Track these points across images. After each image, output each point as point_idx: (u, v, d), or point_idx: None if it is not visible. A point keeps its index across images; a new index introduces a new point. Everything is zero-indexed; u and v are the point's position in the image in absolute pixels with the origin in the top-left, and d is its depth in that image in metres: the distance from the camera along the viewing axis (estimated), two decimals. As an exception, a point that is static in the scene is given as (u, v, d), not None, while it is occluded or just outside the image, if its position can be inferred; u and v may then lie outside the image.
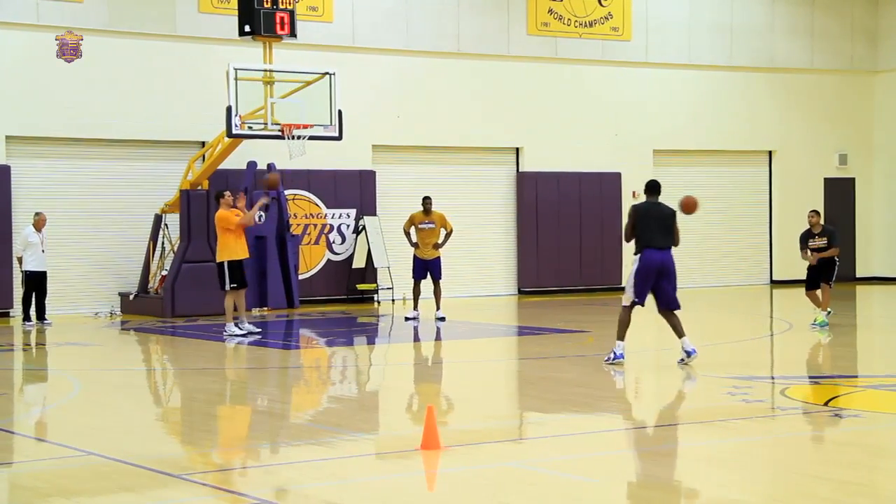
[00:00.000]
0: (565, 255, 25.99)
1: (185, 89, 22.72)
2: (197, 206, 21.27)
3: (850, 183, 29.19)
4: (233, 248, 17.40)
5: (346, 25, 24.35)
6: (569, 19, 26.38)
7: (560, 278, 26.03)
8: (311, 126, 20.20)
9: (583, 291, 25.90)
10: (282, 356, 16.71)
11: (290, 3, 20.28)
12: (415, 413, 11.09)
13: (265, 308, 21.94)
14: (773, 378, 13.07)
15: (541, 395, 11.90)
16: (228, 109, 19.68)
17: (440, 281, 19.92)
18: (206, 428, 10.66)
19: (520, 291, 26.01)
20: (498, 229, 25.97)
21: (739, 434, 9.59)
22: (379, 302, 24.03)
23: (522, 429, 10.35)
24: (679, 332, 13.49)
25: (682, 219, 13.71)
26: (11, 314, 21.36)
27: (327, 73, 20.42)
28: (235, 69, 19.76)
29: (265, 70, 20.17)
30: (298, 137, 20.02)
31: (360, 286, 23.82)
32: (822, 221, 18.55)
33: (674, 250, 13.56)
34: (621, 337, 13.49)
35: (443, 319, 19.61)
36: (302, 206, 23.65)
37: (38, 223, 20.37)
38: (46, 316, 20.41)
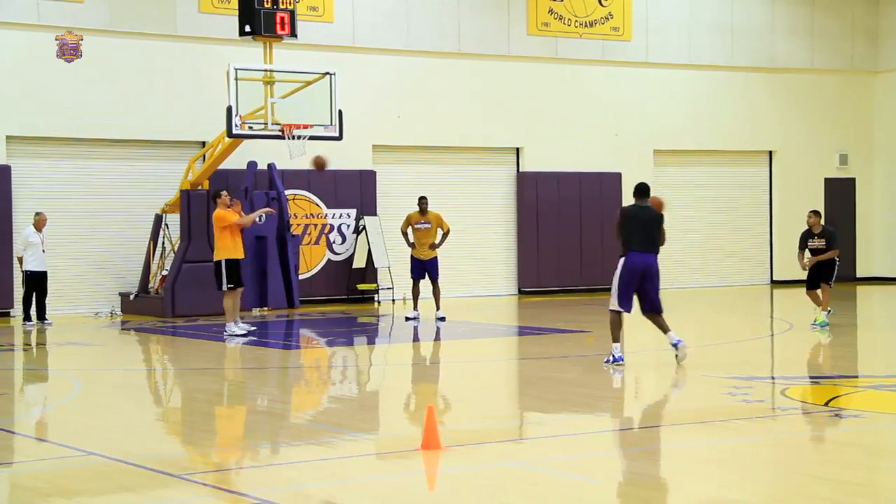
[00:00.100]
0: (565, 255, 26.00)
1: (186, 89, 22.73)
2: (197, 206, 21.27)
3: (850, 183, 29.19)
4: (230, 247, 17.41)
5: (347, 25, 24.36)
6: (569, 19, 26.38)
7: (560, 278, 26.04)
8: (312, 126, 20.21)
9: (583, 291, 25.90)
10: (282, 356, 16.71)
11: (290, 3, 20.28)
12: (415, 413, 11.09)
13: (265, 308, 21.95)
14: (773, 378, 13.07)
15: (541, 395, 11.90)
16: (229, 109, 19.68)
17: (438, 281, 19.92)
18: (207, 428, 10.67)
19: (520, 291, 26.02)
20: (498, 229, 25.97)
21: (740, 434, 9.59)
22: (379, 302, 24.03)
23: (523, 429, 10.35)
24: (664, 329, 13.60)
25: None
26: (12, 314, 21.37)
27: (327, 73, 20.42)
28: (236, 69, 19.77)
29: (265, 70, 20.17)
30: (299, 137, 20.02)
31: (361, 286, 23.82)
32: (822, 222, 18.51)
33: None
34: (616, 339, 13.55)
35: (443, 319, 19.61)
36: (302, 206, 23.66)
37: (39, 223, 20.37)
38: (47, 316, 20.42)
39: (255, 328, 18.10)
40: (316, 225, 23.85)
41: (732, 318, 21.34)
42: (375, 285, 23.92)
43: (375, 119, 24.29)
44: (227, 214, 17.41)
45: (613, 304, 13.62)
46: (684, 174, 27.70)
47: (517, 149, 26.12)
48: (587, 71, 26.62)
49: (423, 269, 19.84)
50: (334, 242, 24.04)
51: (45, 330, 19.54)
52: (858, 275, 28.93)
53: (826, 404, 11.01)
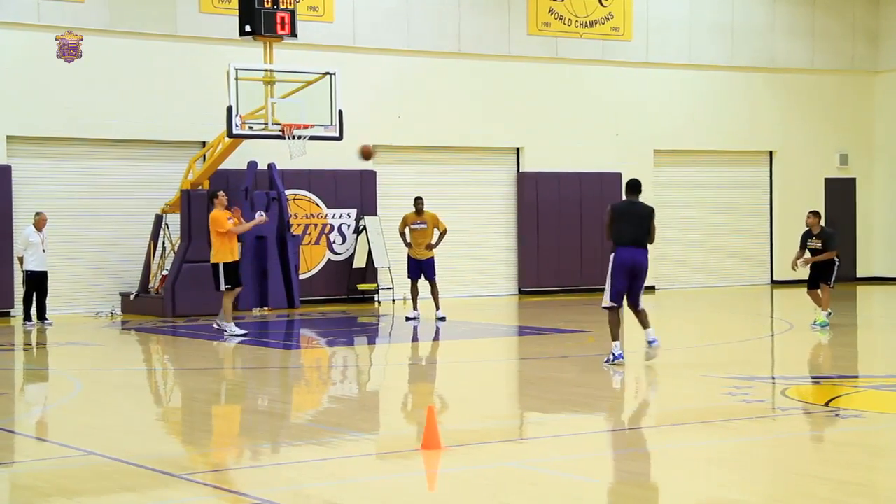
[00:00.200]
0: (566, 255, 26.00)
1: (186, 89, 22.73)
2: (198, 206, 21.27)
3: (850, 183, 29.19)
4: (227, 251, 17.43)
5: (347, 25, 24.36)
6: (569, 19, 26.38)
7: (560, 278, 26.04)
8: (312, 126, 20.21)
9: (583, 291, 25.89)
10: (282, 356, 16.71)
11: (290, 3, 20.28)
12: (415, 413, 11.09)
13: (266, 308, 21.95)
14: (773, 378, 13.07)
15: (541, 395, 11.91)
16: (229, 109, 19.68)
17: (435, 280, 19.90)
18: (207, 428, 10.67)
19: (520, 291, 26.02)
20: (498, 229, 25.97)
21: (740, 434, 9.59)
22: (379, 302, 24.03)
23: (523, 429, 10.35)
24: (644, 325, 13.72)
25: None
26: (12, 314, 21.37)
27: (328, 73, 20.43)
28: (236, 69, 19.77)
29: (266, 70, 20.17)
30: (299, 137, 20.03)
31: (361, 286, 23.82)
32: (821, 223, 18.49)
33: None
34: (615, 337, 13.59)
35: (443, 319, 19.61)
36: (302, 206, 23.66)
37: (39, 223, 20.37)
38: (47, 316, 20.42)
39: (247, 332, 17.89)
40: (316, 225, 23.86)
41: (733, 318, 21.34)
42: (376, 285, 23.92)
43: (376, 119, 24.29)
44: (223, 219, 17.39)
45: (605, 301, 13.70)
46: (684, 174, 27.71)
47: (517, 149, 26.12)
48: (587, 71, 26.62)
49: (420, 268, 19.84)
50: (334, 242, 24.04)
51: (46, 330, 19.54)
52: (859, 275, 28.92)
53: (826, 404, 11.01)
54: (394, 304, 23.83)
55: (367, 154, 18.33)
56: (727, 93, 28.01)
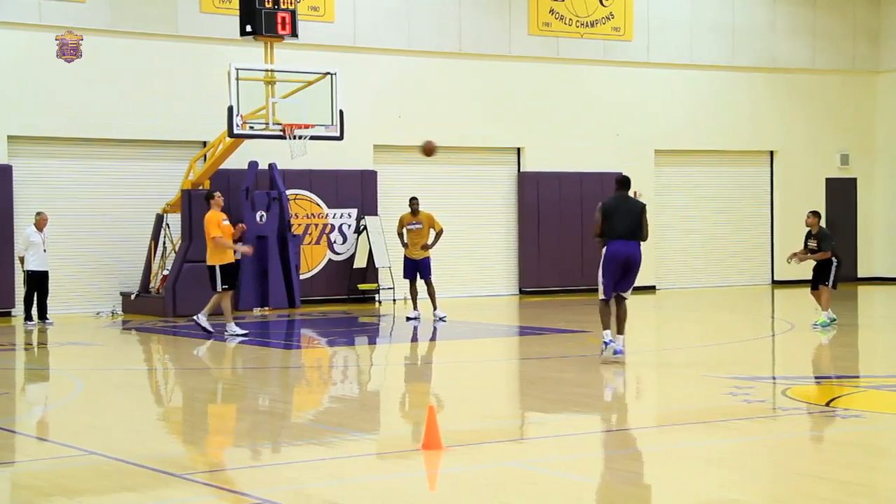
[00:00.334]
0: (566, 255, 25.99)
1: (187, 89, 22.73)
2: (198, 206, 21.24)
3: (851, 183, 29.18)
4: (222, 253, 17.48)
5: (348, 25, 24.36)
6: (570, 19, 26.38)
7: (561, 278, 26.03)
8: (313, 126, 20.21)
9: (584, 291, 25.87)
10: (283, 356, 16.72)
11: (291, 3, 20.28)
12: (416, 413, 11.09)
13: (266, 308, 21.95)
14: (774, 378, 13.07)
15: (541, 395, 11.91)
16: (230, 109, 19.69)
17: (430, 279, 19.91)
18: (207, 427, 10.68)
19: (521, 291, 26.01)
20: (499, 229, 25.97)
21: (740, 434, 9.59)
22: (380, 302, 24.03)
23: (523, 429, 10.36)
24: (620, 328, 13.70)
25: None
26: (13, 314, 21.38)
27: (328, 73, 20.43)
28: (237, 69, 19.77)
29: (266, 70, 20.18)
30: (300, 137, 20.03)
31: (362, 286, 23.82)
32: (821, 223, 18.48)
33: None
34: (606, 326, 13.67)
35: (443, 319, 19.61)
36: (303, 205, 23.66)
37: (40, 223, 20.37)
38: (48, 315, 20.42)
39: (247, 332, 17.86)
40: (317, 225, 23.86)
41: (733, 318, 21.33)
42: (376, 285, 23.92)
43: (376, 119, 24.29)
44: (215, 223, 17.42)
45: (602, 296, 13.81)
46: (685, 174, 27.70)
47: (518, 149, 26.12)
48: (588, 71, 26.62)
49: (416, 268, 19.88)
50: (335, 242, 24.04)
51: (47, 329, 19.54)
52: (860, 275, 28.92)
53: (827, 404, 11.02)
54: (394, 304, 23.83)
55: (429, 150, 18.13)
56: (728, 93, 28.01)
